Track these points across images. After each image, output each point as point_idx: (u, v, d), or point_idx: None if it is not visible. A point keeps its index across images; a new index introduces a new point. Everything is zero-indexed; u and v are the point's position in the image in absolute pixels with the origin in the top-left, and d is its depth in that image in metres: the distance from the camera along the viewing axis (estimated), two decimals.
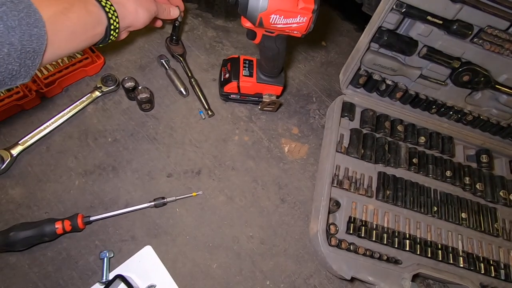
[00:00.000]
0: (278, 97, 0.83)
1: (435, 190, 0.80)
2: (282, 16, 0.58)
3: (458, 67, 0.76)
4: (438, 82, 0.81)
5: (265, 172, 0.79)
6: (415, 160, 0.81)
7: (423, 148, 0.85)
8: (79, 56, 0.76)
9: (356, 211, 0.73)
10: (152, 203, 0.68)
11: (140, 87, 0.75)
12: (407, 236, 0.73)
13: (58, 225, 0.60)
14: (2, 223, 0.62)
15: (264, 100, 0.81)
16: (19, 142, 0.68)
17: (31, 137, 0.69)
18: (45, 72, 0.73)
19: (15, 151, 0.67)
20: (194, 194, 0.71)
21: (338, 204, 0.72)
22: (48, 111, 0.74)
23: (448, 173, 0.81)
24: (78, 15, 0.47)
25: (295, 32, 0.62)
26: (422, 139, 0.84)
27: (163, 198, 0.69)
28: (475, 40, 0.71)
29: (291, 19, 0.59)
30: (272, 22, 0.59)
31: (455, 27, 0.68)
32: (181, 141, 0.77)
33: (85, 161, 0.71)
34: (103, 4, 0.52)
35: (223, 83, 0.81)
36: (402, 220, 0.74)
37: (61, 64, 0.75)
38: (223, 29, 0.97)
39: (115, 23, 0.54)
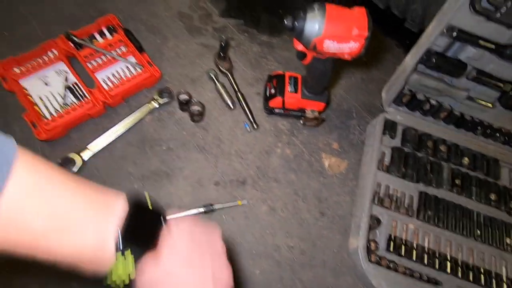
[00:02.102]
0: (320, 113, 0.86)
1: (479, 213, 0.79)
2: (335, 41, 0.62)
3: (509, 90, 0.75)
4: (486, 104, 0.80)
5: (305, 185, 0.82)
6: (458, 181, 0.80)
7: (467, 170, 0.84)
8: (139, 71, 0.84)
9: (397, 229, 0.74)
10: (202, 209, 0.73)
11: (194, 100, 0.81)
12: (448, 258, 0.73)
13: None
14: None
15: (307, 116, 0.84)
16: (88, 147, 0.76)
17: (98, 143, 0.77)
18: (110, 85, 0.81)
19: (85, 155, 0.75)
20: (239, 202, 0.76)
21: (378, 221, 0.74)
22: (111, 119, 0.82)
23: (492, 196, 0.80)
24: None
25: (345, 56, 0.65)
26: (465, 160, 0.83)
27: (211, 204, 0.74)
28: None
29: (344, 44, 0.62)
30: (325, 47, 0.62)
31: (508, 52, 0.68)
32: (227, 151, 0.83)
33: (143, 167, 0.78)
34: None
35: (268, 97, 0.86)
36: (443, 242, 0.74)
37: (124, 79, 0.83)
38: (268, 44, 1.01)
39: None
